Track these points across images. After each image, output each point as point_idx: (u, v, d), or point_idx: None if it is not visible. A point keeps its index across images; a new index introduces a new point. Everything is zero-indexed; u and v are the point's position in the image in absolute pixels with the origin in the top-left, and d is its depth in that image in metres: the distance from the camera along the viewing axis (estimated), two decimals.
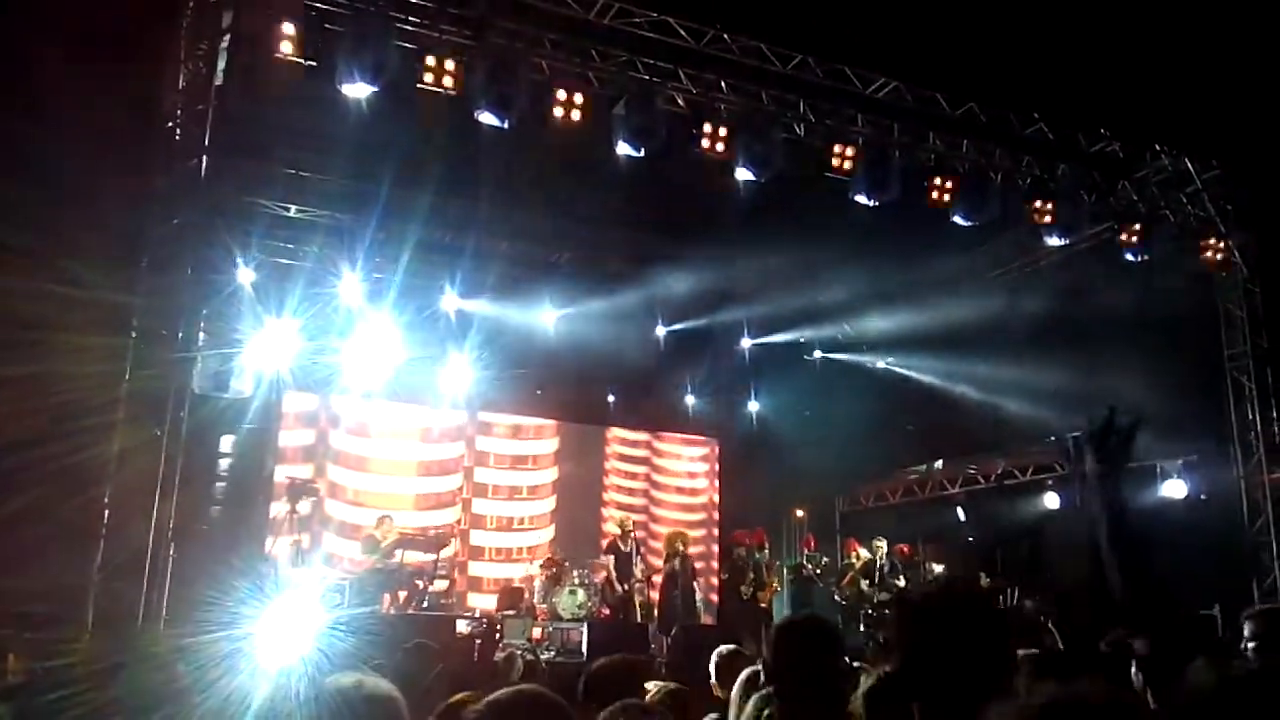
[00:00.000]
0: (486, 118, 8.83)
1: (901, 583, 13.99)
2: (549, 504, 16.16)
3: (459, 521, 15.22)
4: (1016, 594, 12.84)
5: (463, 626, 11.37)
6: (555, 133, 9.42)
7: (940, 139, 10.88)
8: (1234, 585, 10.83)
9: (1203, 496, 11.84)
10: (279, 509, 12.55)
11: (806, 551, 15.00)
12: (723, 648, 4.59)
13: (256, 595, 10.07)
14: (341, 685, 2.31)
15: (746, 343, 16.18)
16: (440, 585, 13.15)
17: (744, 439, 17.22)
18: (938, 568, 14.47)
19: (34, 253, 7.92)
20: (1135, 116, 10.65)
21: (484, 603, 14.30)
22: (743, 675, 3.90)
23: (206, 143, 8.45)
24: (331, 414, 14.80)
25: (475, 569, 15.26)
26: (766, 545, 14.63)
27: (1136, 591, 2.33)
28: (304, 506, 12.41)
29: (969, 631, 2.08)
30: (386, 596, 12.16)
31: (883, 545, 14.31)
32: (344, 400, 14.70)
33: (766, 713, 3.07)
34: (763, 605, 13.60)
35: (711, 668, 4.44)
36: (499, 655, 9.05)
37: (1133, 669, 4.49)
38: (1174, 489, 12.06)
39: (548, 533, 15.68)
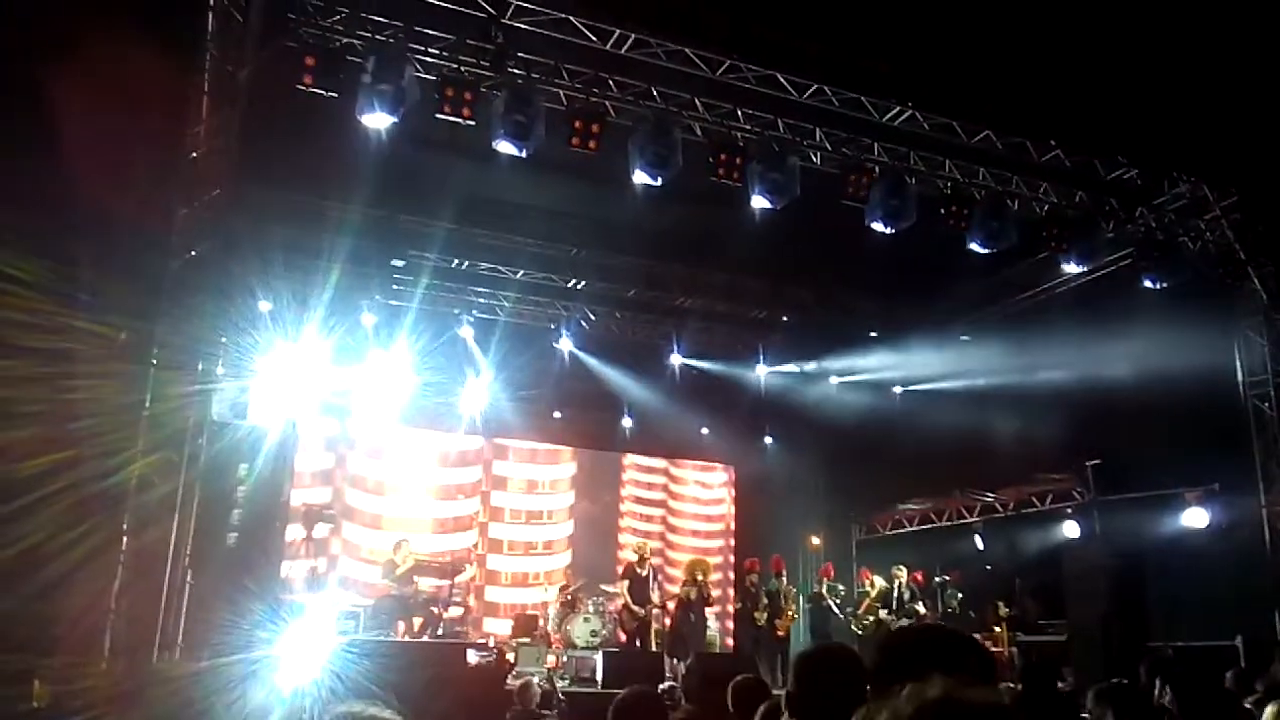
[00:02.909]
0: (504, 147, 8.91)
1: (921, 610, 13.91)
2: (566, 528, 16.14)
3: (475, 546, 15.21)
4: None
5: (472, 655, 11.35)
6: (572, 161, 9.49)
7: (957, 167, 10.89)
8: (1256, 615, 10.70)
9: (1224, 526, 11.72)
10: (295, 535, 12.60)
11: (826, 580, 14.92)
12: (740, 677, 4.56)
13: (272, 621, 10.09)
14: (353, 713, 2.31)
15: (763, 370, 16.15)
16: (455, 612, 13.16)
17: (760, 466, 17.17)
18: (958, 596, 14.38)
19: (53, 284, 8.01)
20: (1153, 143, 10.63)
21: (499, 628, 14.28)
22: (762, 707, 3.88)
23: (227, 173, 8.55)
24: (348, 444, 14.86)
25: (491, 594, 15.24)
26: (784, 573, 14.57)
27: None
28: (320, 532, 12.47)
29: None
30: (401, 623, 12.17)
31: (902, 573, 14.23)
32: (361, 429, 14.78)
33: None
34: (780, 634, 13.53)
35: (729, 697, 4.41)
36: (515, 683, 9.03)
37: (1157, 690, 4.45)
38: (1195, 518, 11.95)
39: (565, 558, 15.63)
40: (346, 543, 14.39)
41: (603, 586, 13.84)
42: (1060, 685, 10.69)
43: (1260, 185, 11.00)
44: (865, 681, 3.01)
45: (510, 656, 11.80)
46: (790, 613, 13.97)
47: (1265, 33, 8.52)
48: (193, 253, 8.43)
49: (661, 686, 9.95)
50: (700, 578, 13.68)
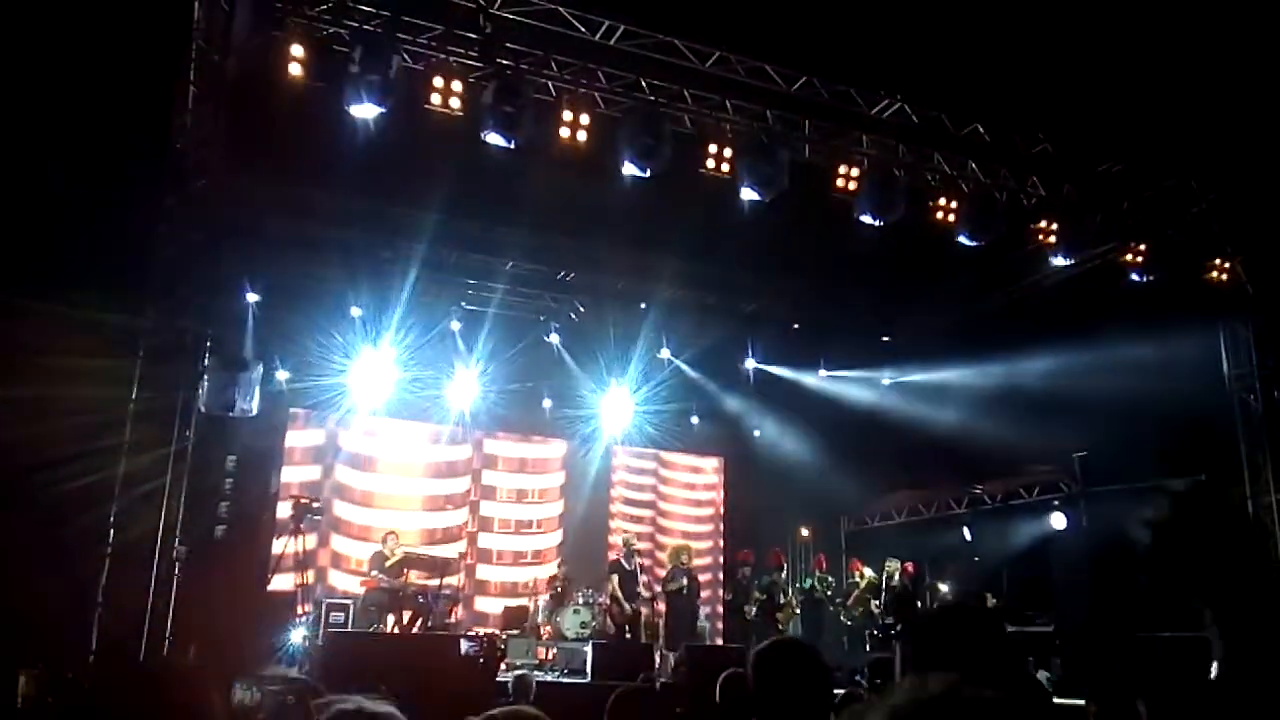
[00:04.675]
0: (493, 138, 8.87)
1: (916, 604, 13.94)
2: (556, 537, 16.11)
3: (464, 555, 15.13)
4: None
5: (464, 647, 11.32)
6: (561, 152, 9.46)
7: (945, 159, 10.90)
8: None
9: None
10: (284, 527, 12.55)
11: (818, 572, 14.95)
12: (729, 671, 4.56)
13: (261, 613, 10.08)
14: (341, 710, 2.28)
15: (751, 363, 16.18)
16: (444, 605, 13.10)
17: (749, 457, 17.20)
18: (944, 588, 14.41)
19: (40, 275, 7.95)
20: (1139, 137, 10.65)
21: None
22: (724, 675, 3.90)
23: (213, 164, 8.51)
24: (336, 444, 14.80)
25: (480, 604, 15.19)
26: (785, 566, 14.59)
27: None
28: (309, 524, 12.40)
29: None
30: (391, 616, 12.14)
31: (895, 565, 14.26)
32: (350, 419, 14.71)
33: None
34: (780, 627, 13.54)
35: (718, 690, 4.41)
36: (512, 676, 9.01)
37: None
38: None
39: (553, 567, 15.57)
40: (334, 553, 14.34)
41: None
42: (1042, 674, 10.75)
43: (1245, 178, 11.03)
44: (823, 675, 3.01)
45: (500, 648, 11.78)
46: (791, 606, 13.99)
47: (1250, 30, 8.54)
48: (180, 243, 8.38)
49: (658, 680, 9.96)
50: (686, 561, 13.73)
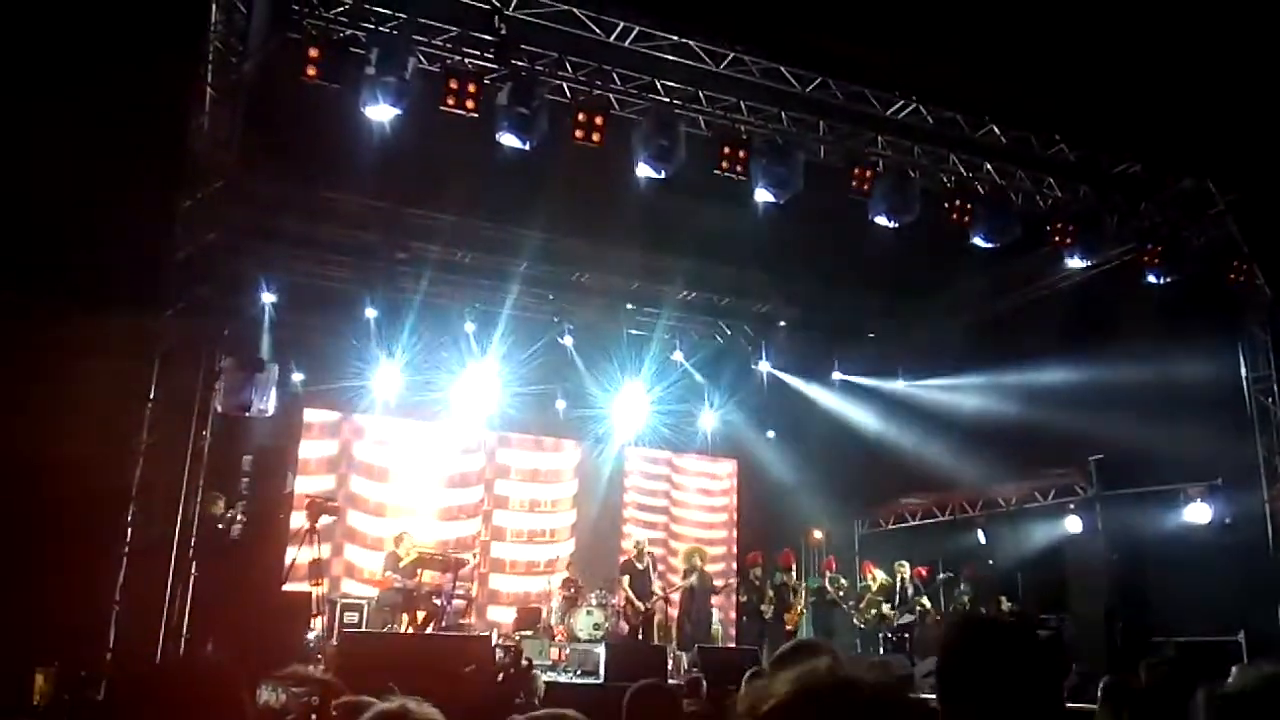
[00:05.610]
0: (507, 139, 8.89)
1: (927, 604, 13.91)
2: (568, 546, 16.07)
3: (477, 565, 15.11)
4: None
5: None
6: (575, 154, 9.47)
7: (960, 160, 10.86)
8: (1259, 611, 10.69)
9: (1227, 521, 11.70)
10: (299, 533, 12.58)
11: (829, 574, 14.92)
12: (754, 669, 4.56)
13: (279, 614, 10.10)
14: (385, 711, 2.29)
15: (764, 366, 16.16)
16: (458, 604, 13.12)
17: (763, 459, 17.15)
18: (967, 591, 14.33)
19: (57, 278, 8.00)
20: (1157, 138, 10.60)
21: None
22: (748, 673, 3.90)
23: (230, 166, 8.54)
24: (350, 454, 14.84)
25: (492, 613, 15.19)
26: (794, 566, 14.58)
27: None
28: (325, 525, 12.43)
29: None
30: (405, 616, 12.16)
31: (905, 567, 14.23)
32: (364, 424, 14.73)
33: None
34: (789, 628, 13.52)
35: (743, 686, 4.42)
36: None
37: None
38: (1198, 513, 11.92)
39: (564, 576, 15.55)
40: (348, 563, 14.33)
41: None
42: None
43: (1264, 180, 10.96)
44: None
45: (527, 655, 11.77)
46: (799, 607, 13.97)
47: (1268, 30, 8.49)
48: (197, 244, 8.42)
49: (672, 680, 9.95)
50: (699, 563, 13.72)
